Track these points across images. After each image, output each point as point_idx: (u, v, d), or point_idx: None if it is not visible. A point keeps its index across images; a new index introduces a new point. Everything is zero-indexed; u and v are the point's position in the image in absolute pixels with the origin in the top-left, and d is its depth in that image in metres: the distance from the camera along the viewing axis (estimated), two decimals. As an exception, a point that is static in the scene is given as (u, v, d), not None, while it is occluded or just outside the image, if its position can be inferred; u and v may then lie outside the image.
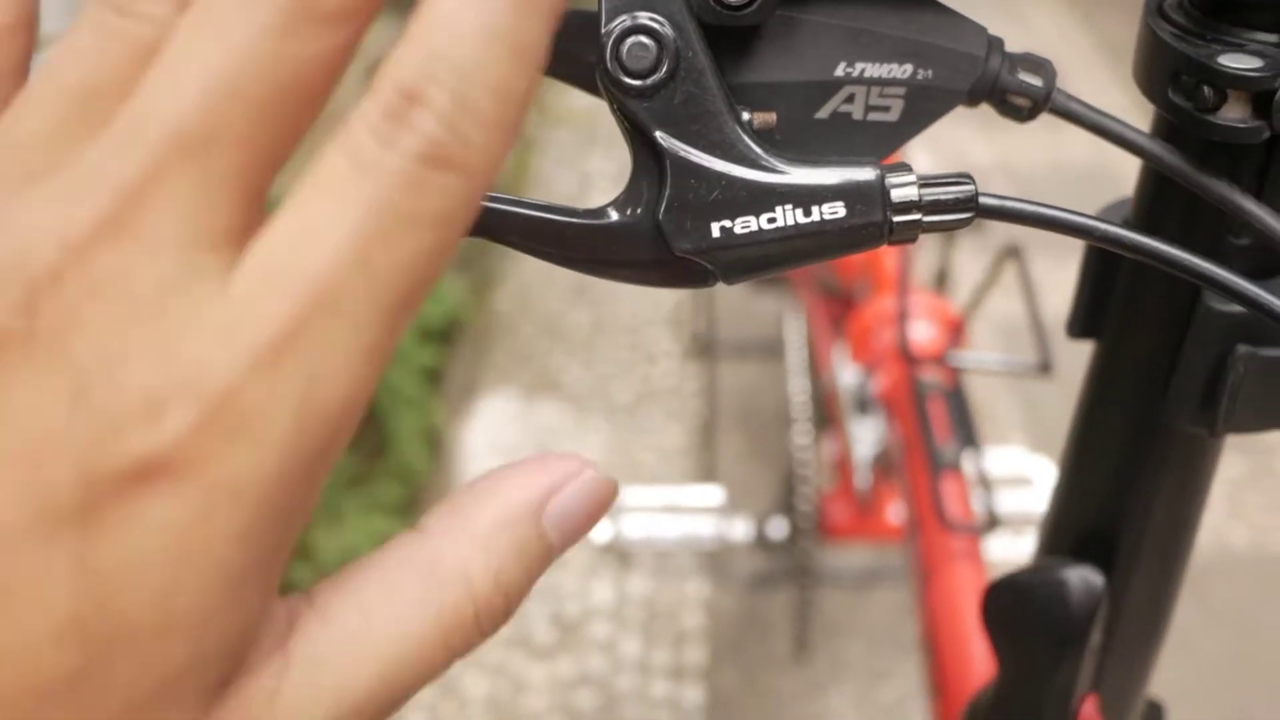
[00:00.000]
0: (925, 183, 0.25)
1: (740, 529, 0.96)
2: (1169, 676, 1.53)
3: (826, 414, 1.01)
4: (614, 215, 0.25)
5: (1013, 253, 0.62)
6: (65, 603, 0.15)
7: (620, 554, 0.95)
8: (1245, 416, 0.29)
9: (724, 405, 1.74)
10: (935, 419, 0.66)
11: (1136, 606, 0.36)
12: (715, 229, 0.24)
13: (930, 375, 0.69)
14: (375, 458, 1.50)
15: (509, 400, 1.80)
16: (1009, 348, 1.67)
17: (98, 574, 0.15)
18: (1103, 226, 0.26)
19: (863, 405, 0.76)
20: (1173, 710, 1.50)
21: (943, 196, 0.25)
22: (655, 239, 0.25)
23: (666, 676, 1.39)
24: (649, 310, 1.95)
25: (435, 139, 0.16)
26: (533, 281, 2.02)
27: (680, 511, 0.96)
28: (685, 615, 1.45)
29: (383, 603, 0.20)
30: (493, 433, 1.74)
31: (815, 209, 0.25)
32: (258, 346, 0.16)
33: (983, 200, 0.25)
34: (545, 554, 0.22)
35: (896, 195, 0.24)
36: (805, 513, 0.95)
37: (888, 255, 0.82)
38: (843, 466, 0.97)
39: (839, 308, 1.04)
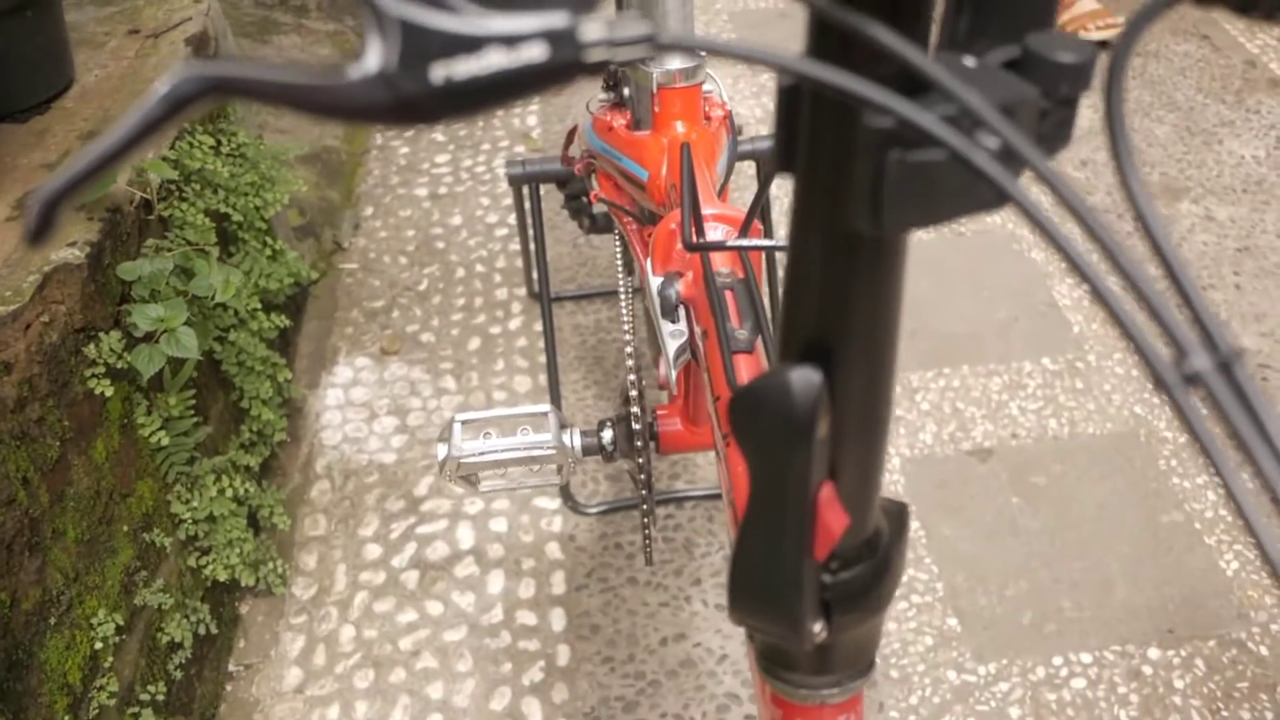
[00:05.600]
0: (610, 23, 0.30)
1: (576, 439, 1.01)
2: (996, 567, 1.64)
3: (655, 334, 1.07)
4: (352, 74, 0.29)
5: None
6: None
7: (461, 472, 0.99)
8: (907, 213, 0.36)
9: (568, 349, 1.80)
10: (729, 307, 0.72)
11: (855, 396, 0.42)
12: (437, 75, 0.29)
13: (722, 269, 0.75)
14: (230, 425, 1.51)
15: (360, 359, 1.82)
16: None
17: None
18: (776, 56, 0.32)
19: (670, 309, 0.82)
20: (1007, 583, 1.62)
21: (623, 36, 0.30)
22: (385, 89, 0.29)
23: (530, 607, 1.45)
24: (492, 265, 1.99)
25: None
26: (378, 245, 2.04)
27: (516, 424, 1.01)
28: (544, 546, 1.51)
29: None
30: (346, 393, 1.76)
31: (519, 50, 0.30)
32: None
33: (660, 39, 0.31)
34: None
35: (586, 35, 0.30)
36: (637, 422, 1.01)
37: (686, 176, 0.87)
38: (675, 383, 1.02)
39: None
